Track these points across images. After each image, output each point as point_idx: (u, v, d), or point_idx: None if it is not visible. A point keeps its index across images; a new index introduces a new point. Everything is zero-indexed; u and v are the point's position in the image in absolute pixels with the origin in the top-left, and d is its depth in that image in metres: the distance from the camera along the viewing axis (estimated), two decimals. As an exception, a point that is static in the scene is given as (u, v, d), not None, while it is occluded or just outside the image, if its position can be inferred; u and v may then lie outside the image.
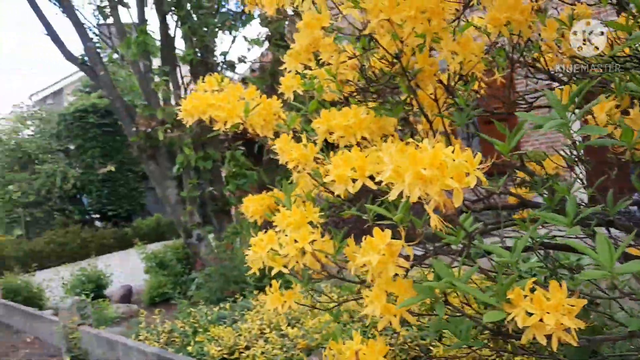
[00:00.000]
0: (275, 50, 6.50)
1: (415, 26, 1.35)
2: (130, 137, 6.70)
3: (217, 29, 6.59)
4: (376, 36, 1.50)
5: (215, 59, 6.80)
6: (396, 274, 1.14)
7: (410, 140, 1.06)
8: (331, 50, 1.63)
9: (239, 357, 3.10)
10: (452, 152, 0.98)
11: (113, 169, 16.57)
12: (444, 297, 1.15)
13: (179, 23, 6.48)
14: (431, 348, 2.61)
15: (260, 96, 1.90)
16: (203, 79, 5.57)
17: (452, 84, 1.67)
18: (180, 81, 6.78)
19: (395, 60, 1.54)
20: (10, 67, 66.42)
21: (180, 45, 7.14)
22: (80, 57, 6.76)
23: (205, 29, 6.44)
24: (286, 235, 1.50)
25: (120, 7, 6.71)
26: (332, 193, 1.94)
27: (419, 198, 0.99)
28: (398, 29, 1.38)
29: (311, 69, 1.76)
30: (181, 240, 7.36)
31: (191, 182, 6.66)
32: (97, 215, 17.87)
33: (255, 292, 4.31)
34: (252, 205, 1.96)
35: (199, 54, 6.45)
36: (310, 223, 1.52)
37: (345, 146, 1.60)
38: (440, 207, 1.00)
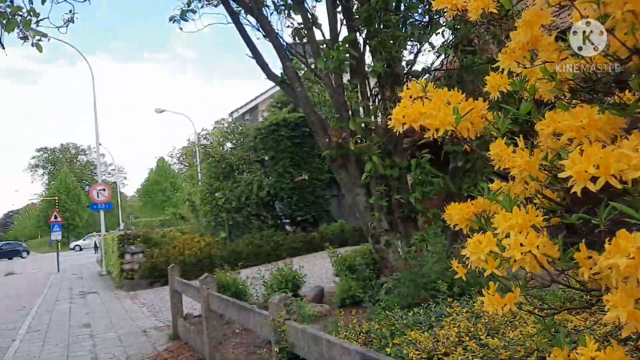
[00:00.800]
0: (463, 57, 6.43)
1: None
2: (323, 147, 7.13)
3: (404, 41, 6.73)
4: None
5: (402, 69, 6.96)
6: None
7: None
8: (551, 49, 1.60)
9: (438, 362, 3.12)
10: None
11: (307, 177, 17.66)
12: None
13: (368, 38, 6.77)
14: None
15: (466, 99, 1.90)
16: (391, 90, 5.73)
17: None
18: (368, 93, 7.07)
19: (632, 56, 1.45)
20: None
21: (367, 58, 7.41)
22: (280, 76, 7.42)
23: (392, 42, 6.62)
24: (506, 237, 1.49)
25: (313, 28, 7.25)
26: (549, 199, 1.88)
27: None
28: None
29: (525, 68, 1.73)
30: (369, 246, 7.59)
31: (378, 189, 6.84)
32: (288, 220, 19.16)
33: (449, 299, 4.29)
34: (455, 214, 1.96)
35: (386, 66, 6.63)
36: (532, 227, 1.50)
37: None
38: None
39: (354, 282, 7.21)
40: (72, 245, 58.40)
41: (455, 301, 4.16)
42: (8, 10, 5.94)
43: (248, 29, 7.64)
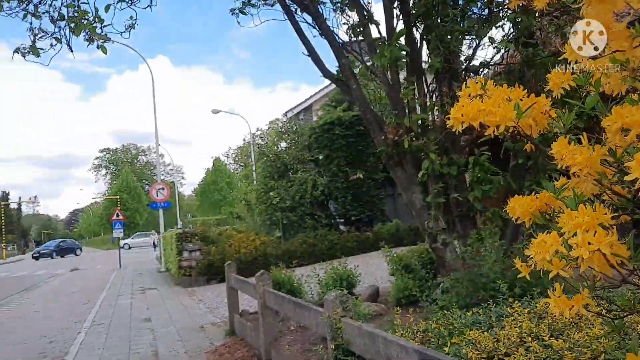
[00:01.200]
0: (524, 51, 6.23)
1: None
2: (378, 145, 7.09)
3: (462, 35, 6.60)
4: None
5: (460, 64, 6.83)
6: None
7: None
8: (623, 37, 1.53)
9: (499, 363, 3.05)
10: None
11: (361, 176, 17.62)
12: None
13: (425, 33, 6.68)
14: None
15: (528, 95, 1.84)
16: (449, 86, 5.64)
17: None
18: (425, 89, 6.97)
19: None
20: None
21: (423, 54, 7.31)
22: (336, 74, 7.45)
23: (450, 37, 6.50)
24: (572, 236, 1.44)
25: (369, 24, 7.23)
26: (619, 194, 1.80)
27: None
28: None
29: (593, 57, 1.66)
30: (425, 245, 7.49)
31: (436, 187, 6.74)
32: (342, 220, 19.16)
33: (510, 300, 4.18)
34: (519, 207, 1.90)
35: (444, 61, 6.52)
36: (600, 225, 1.44)
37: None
38: None
39: (410, 282, 7.13)
40: (121, 243, 59.44)
41: (516, 301, 4.04)
42: (76, 14, 6.24)
43: (303, 27, 7.70)
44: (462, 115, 1.86)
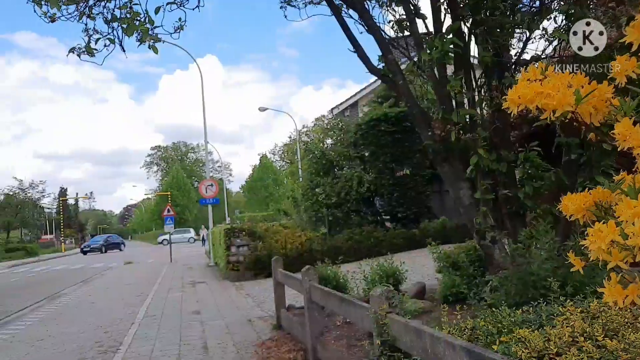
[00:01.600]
0: (577, 42, 6.03)
1: None
2: (425, 141, 7.01)
3: (512, 28, 6.43)
4: None
5: (509, 58, 6.66)
6: None
7: None
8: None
9: (550, 362, 2.97)
10: None
11: (408, 172, 17.46)
12: None
13: (473, 27, 6.54)
14: None
15: (590, 82, 1.79)
16: (498, 80, 5.52)
17: None
18: (474, 84, 6.83)
19: None
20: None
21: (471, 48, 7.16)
22: (382, 69, 7.39)
23: (500, 30, 6.35)
24: (632, 225, 1.39)
25: (415, 19, 7.14)
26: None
27: None
28: None
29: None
30: (473, 242, 7.36)
31: (484, 184, 6.61)
32: (388, 217, 19.03)
33: (562, 298, 4.06)
34: (572, 204, 1.85)
35: (493, 56, 6.38)
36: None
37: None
38: None
39: (458, 279, 7.03)
40: (160, 239, 58.82)
41: (568, 300, 3.92)
42: (128, 15, 6.45)
43: (349, 22, 7.68)
44: (520, 97, 1.82)
